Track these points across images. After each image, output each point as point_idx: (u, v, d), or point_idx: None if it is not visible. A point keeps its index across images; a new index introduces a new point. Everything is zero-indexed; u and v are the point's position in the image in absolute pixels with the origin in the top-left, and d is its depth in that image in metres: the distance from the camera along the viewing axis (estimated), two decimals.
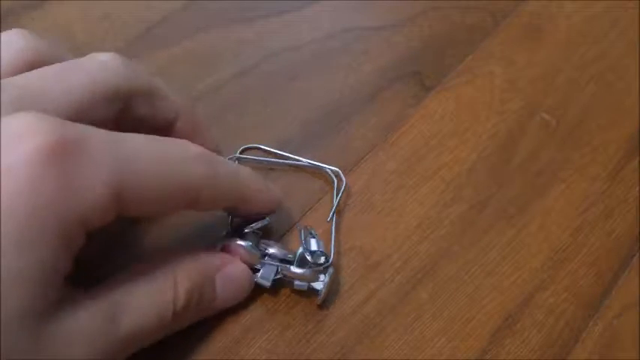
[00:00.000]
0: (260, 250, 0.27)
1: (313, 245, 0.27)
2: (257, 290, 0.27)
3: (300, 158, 0.31)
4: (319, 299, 0.27)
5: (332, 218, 0.29)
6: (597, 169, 0.32)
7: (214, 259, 0.26)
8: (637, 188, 0.32)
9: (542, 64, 0.36)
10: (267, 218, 0.27)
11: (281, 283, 0.27)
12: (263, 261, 0.27)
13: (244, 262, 0.26)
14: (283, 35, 0.36)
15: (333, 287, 0.28)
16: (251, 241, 0.27)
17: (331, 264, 0.27)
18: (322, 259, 0.27)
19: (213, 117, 0.32)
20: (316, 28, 0.37)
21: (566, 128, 0.34)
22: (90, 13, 0.36)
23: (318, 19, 0.37)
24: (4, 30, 0.24)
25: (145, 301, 0.23)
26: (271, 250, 0.27)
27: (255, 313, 0.27)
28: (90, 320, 0.21)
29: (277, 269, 0.27)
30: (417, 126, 0.33)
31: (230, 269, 0.26)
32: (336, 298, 0.28)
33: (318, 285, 0.27)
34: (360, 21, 0.37)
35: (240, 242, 0.26)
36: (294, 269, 0.26)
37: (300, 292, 0.27)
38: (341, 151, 0.32)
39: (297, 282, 0.27)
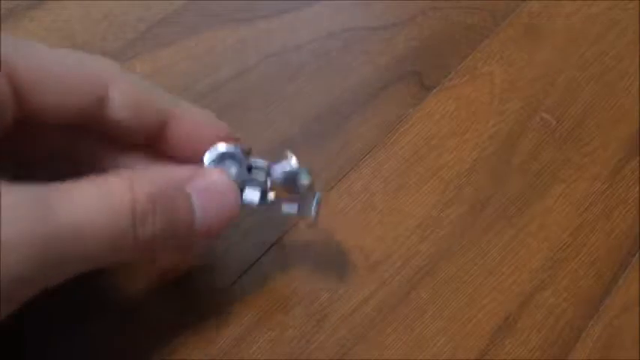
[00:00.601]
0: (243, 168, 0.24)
1: (294, 163, 0.25)
2: (257, 290, 0.27)
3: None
4: (312, 218, 0.25)
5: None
6: (597, 169, 0.32)
7: (184, 170, 0.23)
8: (637, 188, 0.32)
9: (542, 64, 0.36)
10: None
11: (270, 210, 0.25)
12: (249, 178, 0.24)
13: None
14: (283, 35, 0.36)
15: (333, 287, 0.28)
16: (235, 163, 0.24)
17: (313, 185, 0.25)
18: (307, 178, 0.24)
19: None
20: (316, 28, 0.37)
21: (566, 128, 0.34)
22: (90, 13, 0.36)
23: (318, 19, 0.37)
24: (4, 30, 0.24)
25: (93, 195, 0.19)
26: (257, 164, 0.25)
27: (255, 313, 0.27)
28: (19, 199, 0.18)
29: (264, 190, 0.24)
30: (417, 126, 0.33)
31: (206, 180, 0.22)
32: (336, 298, 0.28)
33: (310, 204, 0.25)
34: (360, 21, 0.37)
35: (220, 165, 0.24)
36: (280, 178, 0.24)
37: (298, 292, 0.27)
38: (341, 151, 0.32)
39: (285, 206, 0.25)
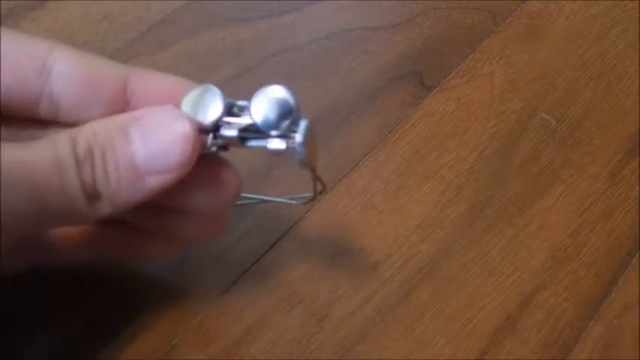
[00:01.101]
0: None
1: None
2: (256, 290, 0.27)
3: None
4: (300, 155, 0.22)
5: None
6: (597, 169, 0.32)
7: (131, 114, 0.21)
8: (637, 188, 0.32)
9: (542, 64, 0.36)
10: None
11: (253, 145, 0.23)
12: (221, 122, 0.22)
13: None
14: (283, 35, 0.36)
15: (333, 287, 0.28)
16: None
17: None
18: (290, 113, 0.23)
19: None
20: (316, 28, 0.37)
21: (567, 128, 0.34)
22: (90, 13, 0.36)
23: (317, 20, 0.37)
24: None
25: (40, 145, 0.19)
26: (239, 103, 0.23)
27: (255, 313, 0.27)
28: None
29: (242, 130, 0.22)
30: (417, 126, 0.33)
31: (149, 114, 0.21)
32: (336, 298, 0.28)
33: (297, 137, 0.22)
34: (360, 21, 0.37)
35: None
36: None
37: (298, 292, 0.27)
38: (341, 151, 0.32)
39: (270, 143, 0.22)
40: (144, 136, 0.20)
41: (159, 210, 0.23)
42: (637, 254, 0.30)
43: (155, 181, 0.20)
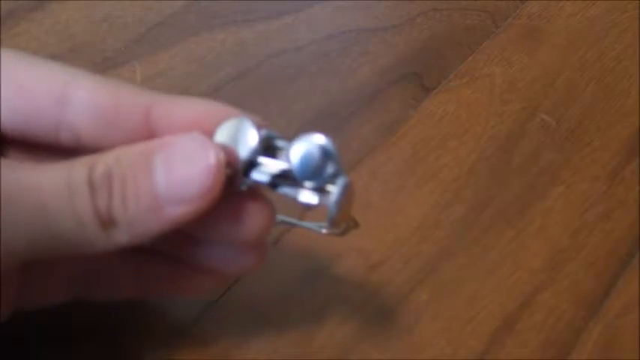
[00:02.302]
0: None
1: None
2: (256, 291, 0.27)
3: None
4: (331, 214, 0.21)
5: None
6: (597, 170, 0.32)
7: (155, 141, 0.20)
8: (637, 189, 0.32)
9: (541, 65, 0.36)
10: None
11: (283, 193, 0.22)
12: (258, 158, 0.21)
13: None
14: (283, 36, 0.36)
15: (333, 288, 0.28)
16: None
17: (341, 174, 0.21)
18: (331, 167, 0.21)
19: None
20: (316, 29, 0.37)
21: (566, 129, 0.34)
22: (90, 14, 0.36)
23: (317, 21, 0.37)
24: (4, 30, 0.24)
25: (55, 170, 0.19)
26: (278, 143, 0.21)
27: (255, 313, 0.27)
28: None
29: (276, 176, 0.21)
30: (416, 127, 0.33)
31: (174, 142, 0.19)
32: (336, 298, 0.28)
33: (333, 197, 0.21)
34: (359, 22, 0.37)
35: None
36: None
37: (298, 293, 0.27)
38: (341, 152, 0.32)
39: (301, 195, 0.21)
40: (167, 165, 0.19)
41: (193, 242, 0.22)
42: (637, 255, 0.30)
43: (176, 212, 0.19)
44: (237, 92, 0.34)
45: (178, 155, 0.19)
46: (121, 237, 0.19)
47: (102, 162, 0.19)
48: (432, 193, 0.31)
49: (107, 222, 0.19)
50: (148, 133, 0.21)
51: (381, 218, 0.30)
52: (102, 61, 0.34)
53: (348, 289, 0.28)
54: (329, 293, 0.28)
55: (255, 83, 0.34)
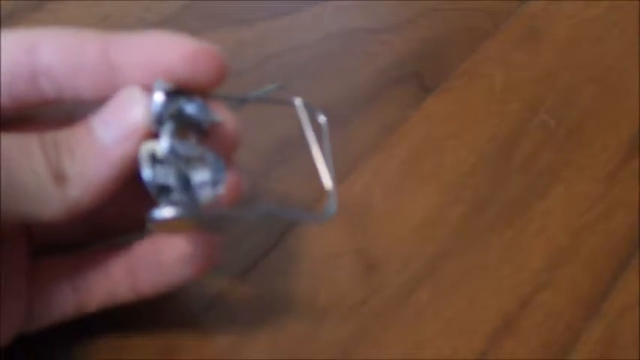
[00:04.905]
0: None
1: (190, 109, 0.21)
2: (256, 291, 0.27)
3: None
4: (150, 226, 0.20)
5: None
6: (597, 170, 0.32)
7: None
8: (637, 189, 0.32)
9: (542, 65, 0.36)
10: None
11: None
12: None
13: None
14: (283, 37, 0.36)
15: (333, 288, 0.28)
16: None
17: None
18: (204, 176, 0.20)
19: None
20: (316, 29, 0.37)
21: (566, 129, 0.34)
22: (90, 15, 0.36)
23: (317, 21, 0.37)
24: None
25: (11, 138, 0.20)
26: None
27: (255, 313, 0.27)
28: None
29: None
30: (417, 127, 0.33)
31: (110, 103, 0.21)
32: (336, 298, 0.28)
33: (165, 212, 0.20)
34: (360, 22, 0.38)
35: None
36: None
37: (298, 292, 0.27)
38: (341, 152, 0.32)
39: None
40: (103, 116, 0.21)
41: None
42: (637, 255, 0.30)
43: (118, 151, 0.21)
44: (236, 92, 0.34)
45: (111, 106, 0.21)
46: (75, 192, 0.21)
47: (49, 132, 0.21)
48: (432, 193, 0.31)
49: (60, 176, 0.20)
50: (110, 70, 0.22)
51: (381, 218, 0.30)
52: None
53: (348, 289, 0.28)
54: (329, 293, 0.28)
55: (255, 83, 0.34)
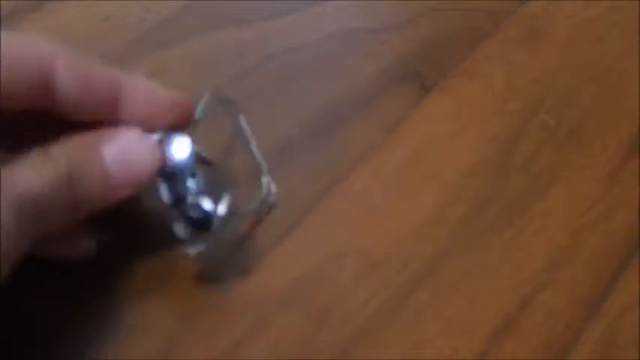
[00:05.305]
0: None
1: (190, 183, 0.25)
2: (257, 291, 0.27)
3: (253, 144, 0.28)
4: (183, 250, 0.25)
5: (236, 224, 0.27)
6: (597, 170, 0.33)
7: (99, 132, 0.24)
8: (637, 189, 0.32)
9: (542, 65, 0.36)
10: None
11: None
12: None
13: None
14: (283, 37, 0.36)
15: (333, 288, 0.28)
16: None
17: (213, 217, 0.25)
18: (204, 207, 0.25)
19: None
20: (316, 29, 0.37)
21: (566, 129, 0.34)
22: (90, 15, 0.36)
23: (318, 21, 0.37)
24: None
25: (33, 164, 0.22)
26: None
27: (255, 314, 0.27)
28: None
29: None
30: (417, 127, 0.33)
31: (120, 139, 0.23)
32: (336, 299, 0.28)
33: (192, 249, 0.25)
34: (360, 22, 0.38)
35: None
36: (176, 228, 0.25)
37: (299, 292, 0.27)
38: (341, 152, 0.32)
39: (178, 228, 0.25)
40: (118, 158, 0.23)
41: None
42: (637, 255, 0.30)
43: (124, 193, 0.24)
44: (237, 92, 0.33)
45: (126, 159, 0.23)
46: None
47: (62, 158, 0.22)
48: (432, 193, 0.31)
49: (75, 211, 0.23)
50: (114, 102, 0.24)
51: (381, 218, 0.30)
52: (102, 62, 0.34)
53: (348, 289, 0.28)
54: (329, 293, 0.28)
55: (255, 83, 0.34)
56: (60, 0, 0.36)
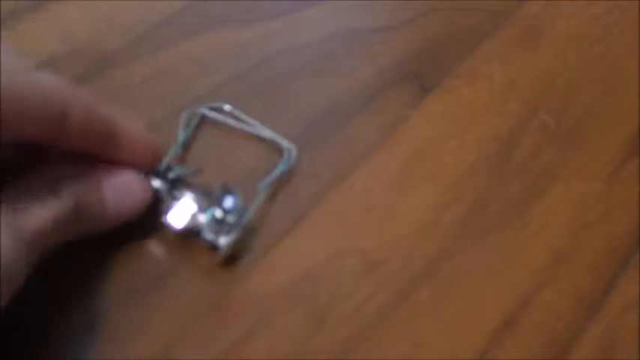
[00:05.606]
0: (174, 194, 0.28)
1: (228, 202, 0.28)
2: (257, 291, 0.27)
3: (262, 127, 0.32)
4: (220, 255, 0.27)
5: (266, 185, 0.29)
6: (597, 169, 0.33)
7: (99, 170, 0.27)
8: (637, 189, 0.32)
9: (541, 65, 0.36)
10: (187, 169, 0.29)
11: (189, 233, 0.28)
12: (173, 203, 0.28)
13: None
14: (283, 37, 0.36)
15: (333, 288, 0.28)
16: (165, 183, 0.28)
17: (243, 225, 0.28)
18: (232, 218, 0.27)
19: None
20: (316, 29, 0.37)
21: (566, 129, 0.34)
22: (90, 15, 0.36)
23: (318, 21, 0.37)
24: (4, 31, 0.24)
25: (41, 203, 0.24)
26: (185, 195, 0.28)
27: (255, 313, 0.27)
28: None
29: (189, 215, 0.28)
30: (417, 127, 0.33)
31: (118, 178, 0.27)
32: (337, 298, 0.28)
33: (222, 240, 0.27)
34: (360, 22, 0.38)
35: (153, 180, 0.28)
36: (201, 217, 0.27)
37: (298, 292, 0.27)
38: (341, 152, 0.32)
39: (204, 234, 0.27)
40: (118, 199, 0.27)
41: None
42: (637, 255, 0.30)
43: (120, 220, 0.27)
44: (237, 92, 0.34)
45: (123, 193, 0.27)
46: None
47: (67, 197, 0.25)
48: (432, 193, 0.31)
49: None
50: (114, 146, 0.27)
51: (381, 218, 0.30)
52: (102, 61, 0.34)
53: (348, 289, 0.28)
54: (329, 293, 0.28)
55: (255, 83, 0.34)
56: (60, 0, 0.36)
